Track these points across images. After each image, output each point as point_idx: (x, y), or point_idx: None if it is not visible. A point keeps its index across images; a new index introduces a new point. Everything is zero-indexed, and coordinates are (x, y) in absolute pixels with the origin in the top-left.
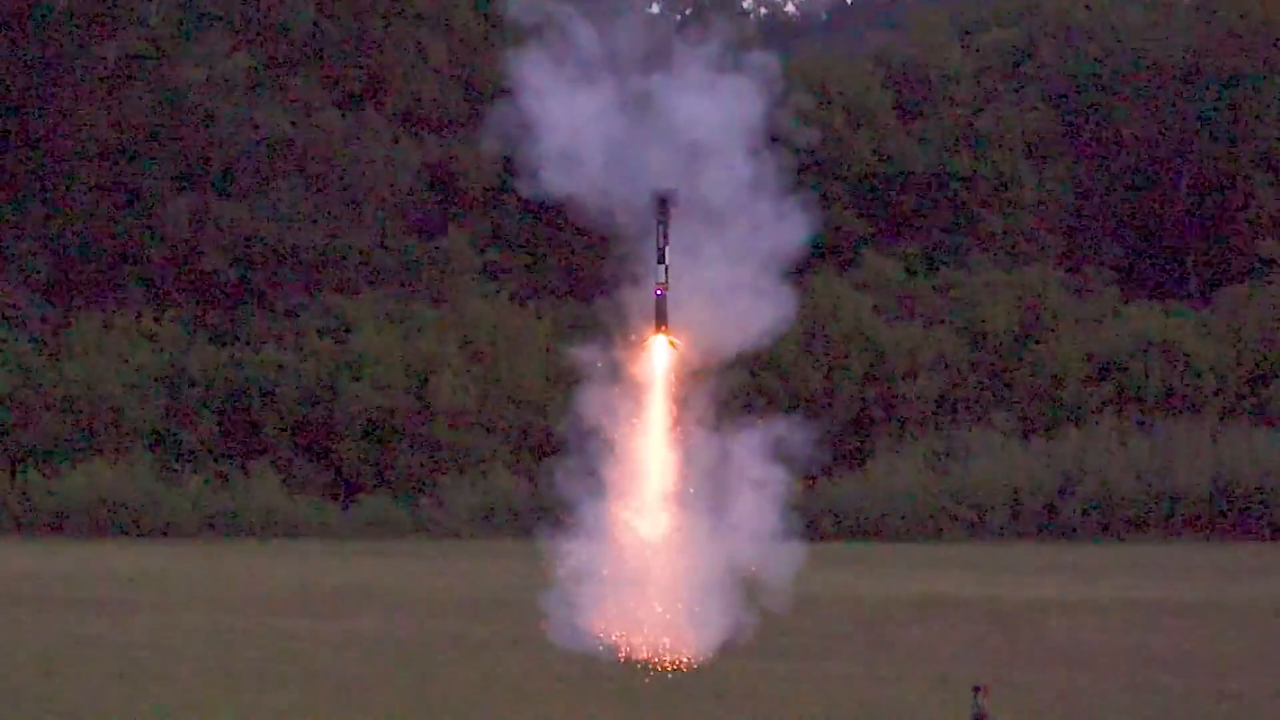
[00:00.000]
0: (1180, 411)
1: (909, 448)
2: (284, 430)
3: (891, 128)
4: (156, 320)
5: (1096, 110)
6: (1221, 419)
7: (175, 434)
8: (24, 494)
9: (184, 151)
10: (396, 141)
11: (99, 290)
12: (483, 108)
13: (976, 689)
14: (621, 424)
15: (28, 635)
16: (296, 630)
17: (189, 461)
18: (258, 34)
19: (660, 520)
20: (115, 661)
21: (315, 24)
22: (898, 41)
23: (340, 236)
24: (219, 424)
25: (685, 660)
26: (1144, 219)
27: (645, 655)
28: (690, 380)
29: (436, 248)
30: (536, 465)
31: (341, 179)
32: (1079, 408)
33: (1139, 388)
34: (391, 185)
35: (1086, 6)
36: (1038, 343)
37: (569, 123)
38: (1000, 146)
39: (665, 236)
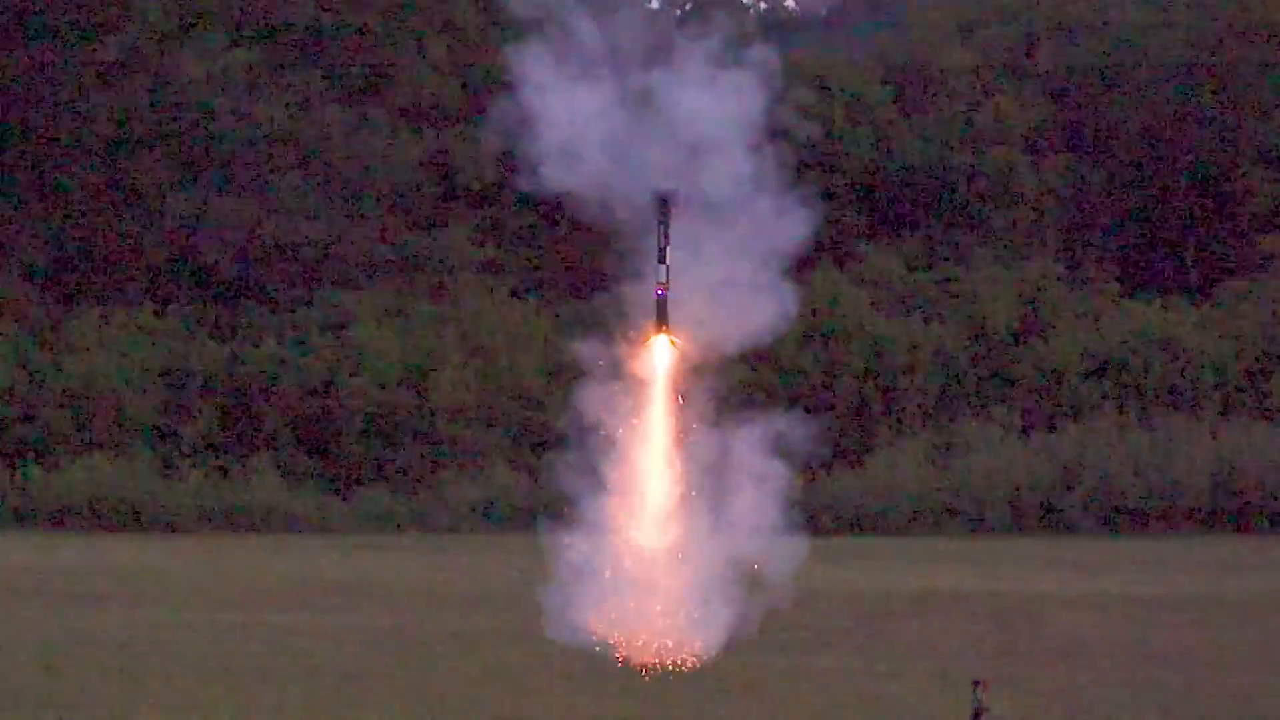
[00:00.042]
0: (1180, 406)
1: (908, 443)
2: (284, 425)
3: (891, 123)
4: (156, 315)
5: (1096, 105)
6: (1221, 414)
7: (175, 429)
8: (23, 488)
9: (184, 146)
10: (396, 136)
11: (99, 285)
12: (483, 102)
13: (976, 684)
14: (622, 422)
15: (27, 630)
16: (296, 625)
17: (189, 456)
18: (257, 29)
19: (661, 517)
20: (115, 657)
21: (315, 18)
22: (898, 37)
23: (340, 231)
24: (219, 419)
25: (687, 661)
26: (1143, 214)
27: (646, 656)
28: (691, 376)
29: (436, 243)
30: (536, 460)
31: (341, 174)
32: (1079, 403)
33: (1139, 383)
34: (391, 180)
35: (1086, 2)
36: (1037, 337)
37: (569, 118)
38: (1000, 142)
39: (666, 237)
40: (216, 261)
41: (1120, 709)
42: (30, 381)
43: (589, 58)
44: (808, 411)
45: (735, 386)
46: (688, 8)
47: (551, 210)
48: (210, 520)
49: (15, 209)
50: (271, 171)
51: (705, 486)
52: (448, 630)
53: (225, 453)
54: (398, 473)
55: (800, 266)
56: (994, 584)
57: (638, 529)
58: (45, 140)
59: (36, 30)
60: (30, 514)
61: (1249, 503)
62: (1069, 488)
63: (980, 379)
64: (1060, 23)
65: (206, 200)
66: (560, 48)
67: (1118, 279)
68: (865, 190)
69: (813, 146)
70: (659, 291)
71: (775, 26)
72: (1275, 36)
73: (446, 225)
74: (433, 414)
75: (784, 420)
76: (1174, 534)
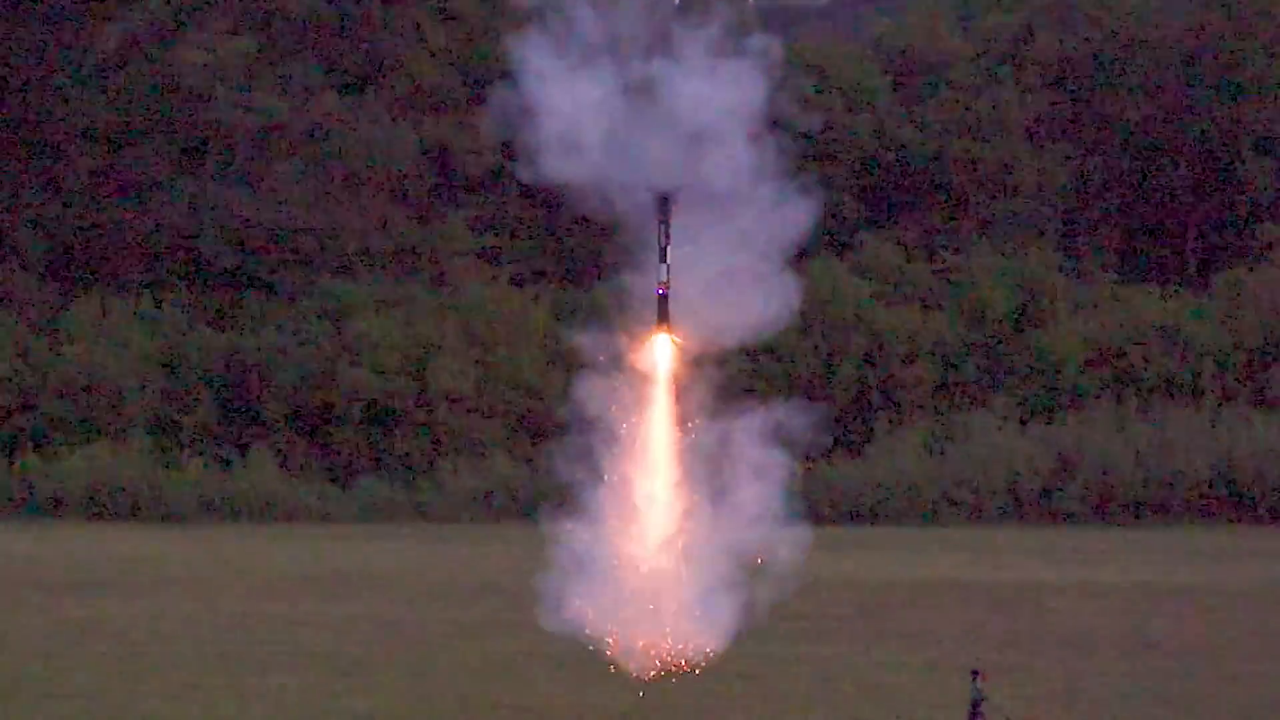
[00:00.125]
0: (1179, 396)
1: (907, 432)
2: (283, 414)
3: (891, 112)
4: (156, 305)
5: (1095, 95)
6: (1220, 403)
7: (174, 418)
8: (23, 478)
9: (182, 135)
10: (395, 125)
11: (98, 274)
12: (482, 91)
13: (975, 674)
14: (622, 415)
15: (27, 619)
16: (295, 614)
17: (188, 446)
18: (256, 18)
19: (661, 511)
20: (115, 645)
21: (313, 7)
22: (897, 26)
23: (339, 221)
24: (218, 408)
25: (688, 658)
26: (1142, 203)
27: (646, 654)
28: (691, 367)
29: (435, 231)
30: (535, 449)
31: (340, 163)
32: (1078, 392)
33: (1138, 372)
34: (390, 169)
35: None
36: (1036, 327)
37: (569, 107)
38: (999, 131)
39: (667, 236)
40: (216, 251)
41: (1118, 697)
42: (29, 370)
43: (589, 47)
44: (810, 399)
45: (735, 376)
46: None
47: (550, 200)
48: (209, 510)
49: (14, 198)
50: (270, 161)
51: (706, 477)
52: (446, 619)
53: (224, 442)
54: (396, 462)
55: (799, 256)
56: (993, 573)
57: (638, 522)
58: (45, 129)
59: (36, 20)
60: (29, 503)
61: (1248, 492)
62: (1068, 477)
63: (979, 368)
64: (1059, 12)
65: (206, 189)
66: (560, 37)
67: (1117, 268)
68: (864, 179)
69: (812, 136)
70: (660, 290)
71: (774, 15)
72: (1275, 25)
73: (445, 214)
74: (431, 403)
75: (784, 410)
76: (1173, 523)
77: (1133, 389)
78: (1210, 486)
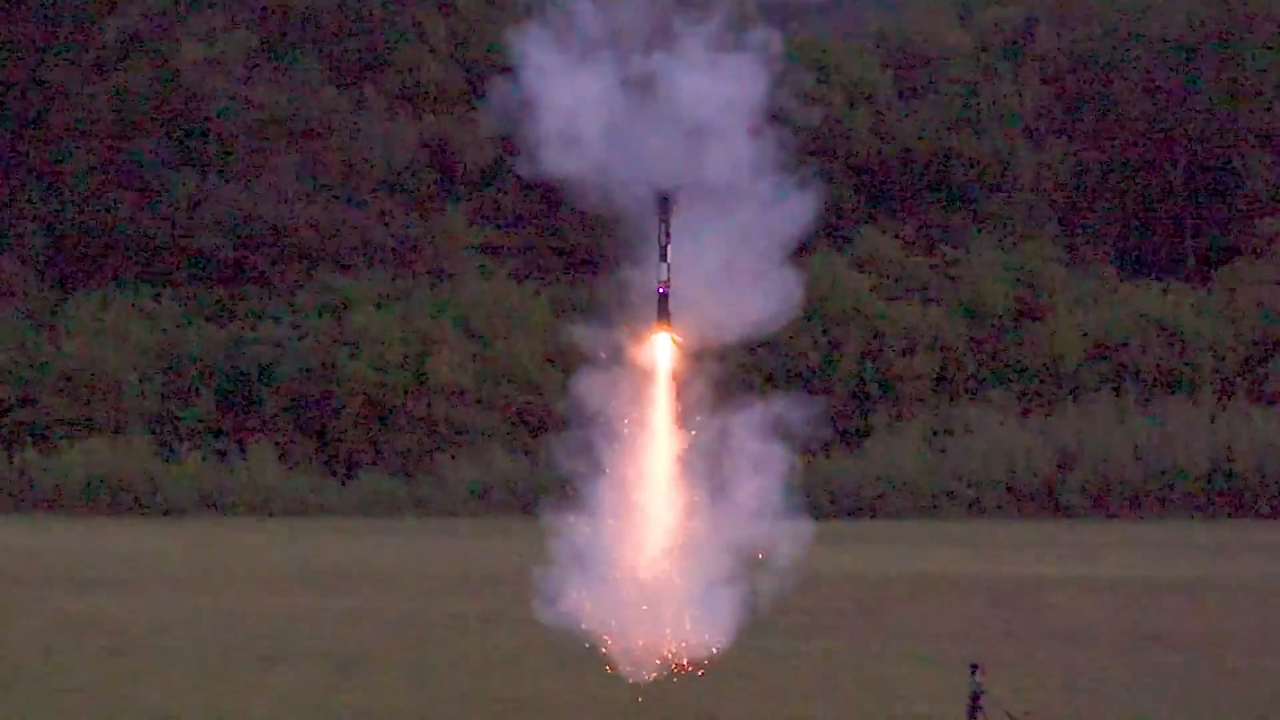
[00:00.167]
0: (1178, 390)
1: (907, 426)
2: (282, 409)
3: (890, 107)
4: (155, 299)
5: (1095, 89)
6: (1219, 397)
7: (173, 412)
8: (22, 472)
9: (182, 130)
10: (395, 119)
11: (97, 269)
12: (482, 86)
13: (974, 668)
14: (621, 410)
15: (26, 614)
16: (295, 608)
17: (187, 440)
18: (255, 12)
19: (661, 508)
20: (114, 639)
21: (313, 2)
22: (897, 21)
23: (338, 215)
24: (217, 402)
25: (688, 657)
26: (1142, 198)
27: (648, 651)
28: (690, 361)
29: (434, 226)
30: (534, 443)
31: (340, 157)
32: (1077, 386)
33: (1137, 366)
34: (389, 163)
35: None
36: (1036, 321)
37: (569, 102)
38: (999, 126)
39: (667, 235)
40: (215, 245)
41: (1119, 690)
42: (28, 365)
43: (589, 41)
44: (809, 393)
45: (734, 370)
46: None
47: (550, 194)
48: (209, 504)
49: (14, 193)
50: (270, 155)
51: (705, 472)
52: (446, 613)
53: (224, 436)
54: (396, 456)
55: (799, 250)
56: (992, 567)
57: (637, 518)
58: (45, 124)
59: (36, 13)
60: (28, 498)
61: (1247, 486)
62: (1068, 471)
63: (978, 362)
64: (1060, 6)
65: (205, 184)
66: (560, 31)
67: (1116, 263)
68: (864, 173)
69: (812, 130)
70: (660, 289)
71: (774, 10)
72: (1274, 20)
73: (445, 208)
74: (430, 397)
75: (783, 404)
76: (1171, 517)
77: (1132, 383)
78: (1209, 480)
